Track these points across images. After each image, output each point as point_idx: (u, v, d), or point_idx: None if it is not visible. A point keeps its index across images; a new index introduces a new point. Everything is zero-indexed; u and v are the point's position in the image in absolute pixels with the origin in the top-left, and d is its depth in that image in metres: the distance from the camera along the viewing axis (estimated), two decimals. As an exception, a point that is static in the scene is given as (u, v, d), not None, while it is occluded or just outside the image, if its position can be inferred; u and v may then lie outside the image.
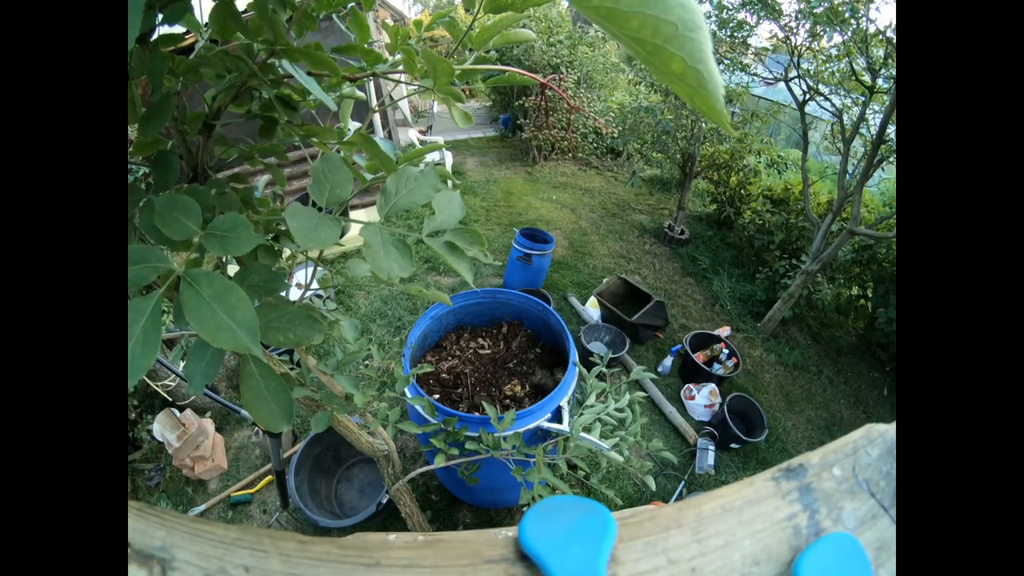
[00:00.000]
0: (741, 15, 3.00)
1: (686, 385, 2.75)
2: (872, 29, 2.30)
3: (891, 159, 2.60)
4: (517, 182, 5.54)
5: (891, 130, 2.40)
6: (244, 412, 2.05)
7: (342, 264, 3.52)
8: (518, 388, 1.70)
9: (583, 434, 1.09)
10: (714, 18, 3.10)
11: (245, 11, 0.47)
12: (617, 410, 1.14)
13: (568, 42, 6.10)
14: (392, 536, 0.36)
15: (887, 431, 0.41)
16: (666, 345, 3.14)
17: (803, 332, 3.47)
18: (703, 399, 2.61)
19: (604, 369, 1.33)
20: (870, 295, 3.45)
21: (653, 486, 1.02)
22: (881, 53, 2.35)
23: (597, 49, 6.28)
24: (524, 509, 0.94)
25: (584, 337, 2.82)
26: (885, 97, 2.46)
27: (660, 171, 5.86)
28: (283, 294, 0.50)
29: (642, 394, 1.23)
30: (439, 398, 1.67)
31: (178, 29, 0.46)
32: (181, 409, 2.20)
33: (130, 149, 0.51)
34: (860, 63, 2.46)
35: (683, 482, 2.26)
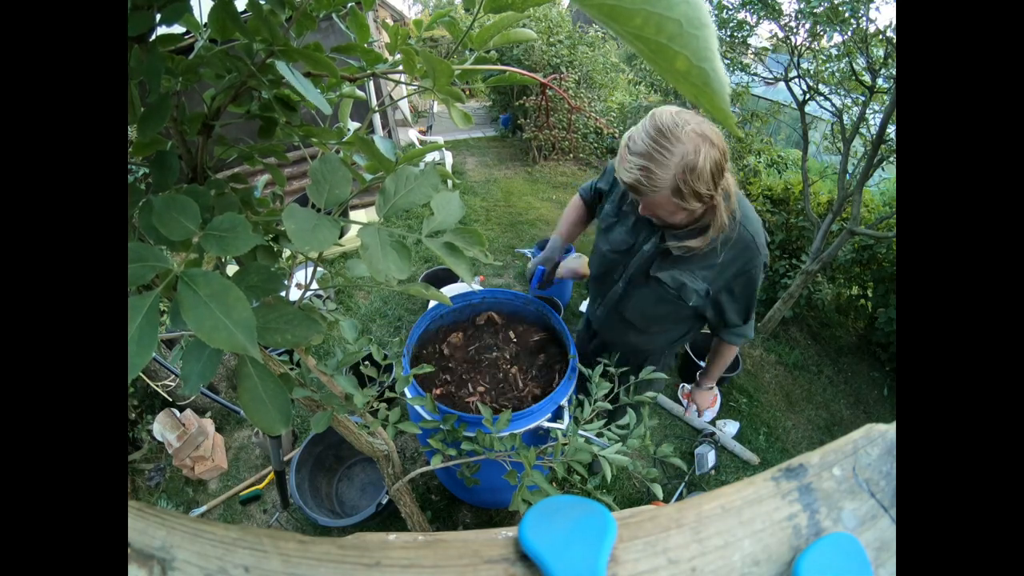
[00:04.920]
0: (741, 15, 2.99)
1: (684, 384, 2.74)
2: (872, 29, 2.29)
3: (891, 159, 2.59)
4: (517, 182, 5.53)
5: (891, 130, 2.39)
6: (244, 412, 2.05)
7: (342, 264, 3.52)
8: (517, 386, 1.70)
9: (583, 431, 1.08)
10: (714, 18, 3.09)
11: (245, 11, 0.47)
12: (619, 427, 1.11)
13: (568, 42, 6.09)
14: (392, 536, 0.36)
15: (887, 431, 0.41)
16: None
17: (803, 332, 3.47)
18: (703, 399, 2.61)
19: (612, 369, 1.30)
20: (870, 295, 3.44)
21: (660, 494, 0.99)
22: (881, 53, 2.34)
23: (597, 49, 6.26)
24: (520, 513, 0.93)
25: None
26: (885, 97, 2.46)
27: (660, 171, 5.84)
28: (282, 294, 0.50)
29: (651, 394, 1.18)
30: (440, 395, 1.67)
31: (177, 29, 0.46)
32: (181, 409, 2.20)
33: (129, 149, 0.51)
34: (860, 63, 2.45)
35: (684, 482, 2.26)
